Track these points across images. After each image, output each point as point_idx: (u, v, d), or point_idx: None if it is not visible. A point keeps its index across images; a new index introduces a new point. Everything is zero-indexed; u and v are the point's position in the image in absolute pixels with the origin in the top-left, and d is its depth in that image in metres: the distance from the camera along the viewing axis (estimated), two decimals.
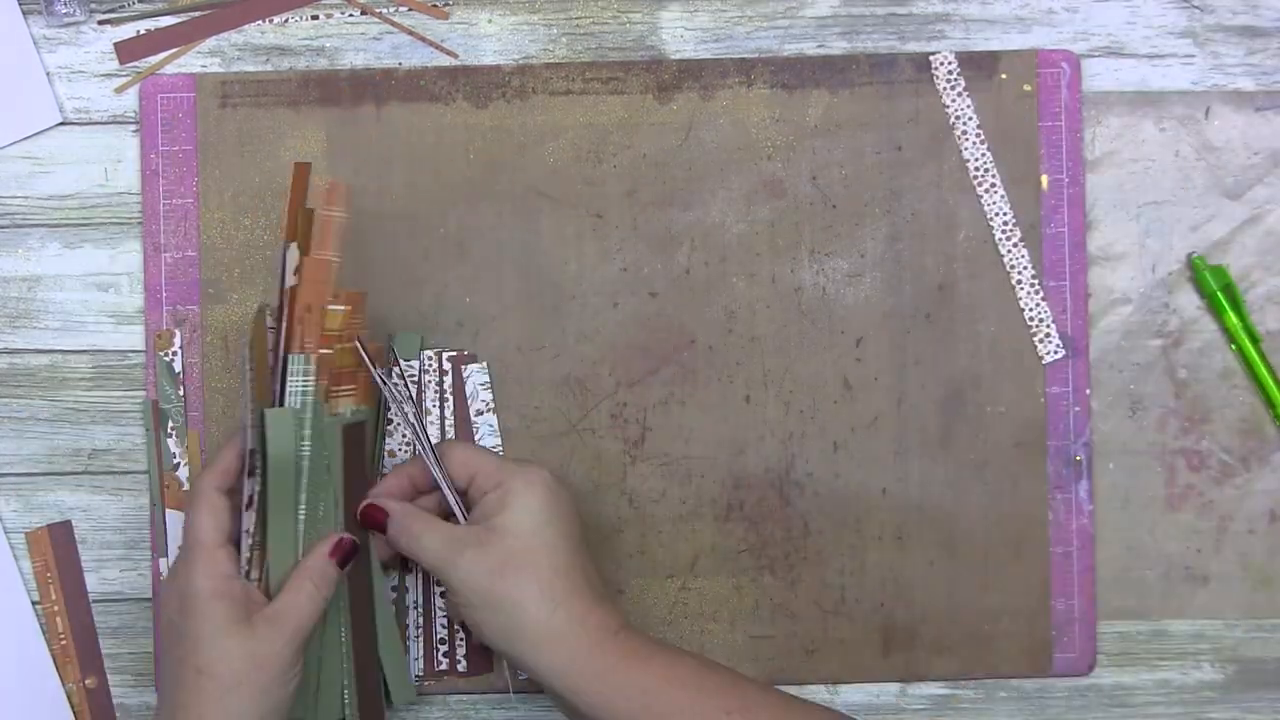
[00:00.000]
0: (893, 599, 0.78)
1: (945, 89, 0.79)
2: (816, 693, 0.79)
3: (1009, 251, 0.79)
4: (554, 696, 0.70)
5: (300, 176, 0.71)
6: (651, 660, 0.68)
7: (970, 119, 0.79)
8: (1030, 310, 0.78)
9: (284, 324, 0.70)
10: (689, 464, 0.78)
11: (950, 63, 0.79)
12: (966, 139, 0.79)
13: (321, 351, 0.70)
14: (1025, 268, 0.78)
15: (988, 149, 0.79)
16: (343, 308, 0.72)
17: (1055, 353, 0.78)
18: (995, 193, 0.79)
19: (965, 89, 0.79)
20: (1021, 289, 0.78)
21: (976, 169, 0.79)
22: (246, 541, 0.70)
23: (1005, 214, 0.79)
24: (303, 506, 0.71)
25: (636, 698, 0.67)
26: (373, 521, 0.72)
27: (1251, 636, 0.79)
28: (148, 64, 0.79)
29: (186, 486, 0.77)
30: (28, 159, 0.79)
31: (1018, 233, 0.79)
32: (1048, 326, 0.78)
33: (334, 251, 0.71)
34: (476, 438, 0.77)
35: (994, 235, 0.79)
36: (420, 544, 0.70)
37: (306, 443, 0.71)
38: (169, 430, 0.77)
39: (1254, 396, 0.79)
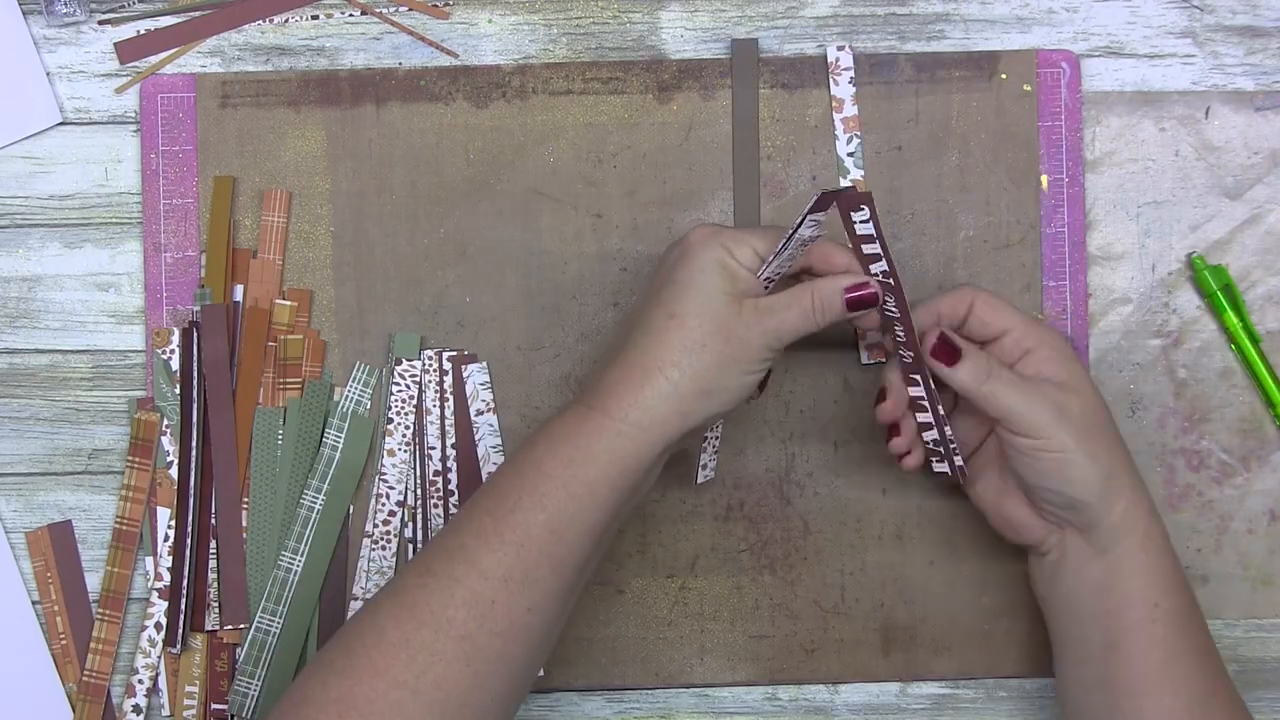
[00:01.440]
0: (893, 599, 0.78)
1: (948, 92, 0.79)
2: (816, 693, 0.79)
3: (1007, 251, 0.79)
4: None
5: (222, 192, 0.77)
6: (1176, 561, 0.71)
7: (983, 125, 0.79)
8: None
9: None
10: (689, 464, 0.78)
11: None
12: (967, 139, 0.79)
13: None
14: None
15: (988, 149, 0.79)
16: (290, 304, 0.77)
17: None
18: (995, 192, 0.79)
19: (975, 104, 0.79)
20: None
21: (976, 169, 0.79)
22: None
23: (1005, 214, 0.79)
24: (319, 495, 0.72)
25: (1161, 581, 0.69)
26: (943, 353, 0.69)
27: (1251, 636, 0.79)
28: (148, 64, 0.79)
29: (177, 486, 0.76)
30: (28, 159, 0.79)
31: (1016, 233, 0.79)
32: None
33: (278, 254, 0.78)
34: (477, 438, 0.77)
35: (995, 235, 0.79)
36: (997, 395, 0.68)
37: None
38: (164, 428, 0.77)
39: (1254, 396, 0.79)
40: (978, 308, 0.71)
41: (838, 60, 0.79)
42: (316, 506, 0.77)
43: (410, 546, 0.77)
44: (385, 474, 0.77)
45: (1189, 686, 0.68)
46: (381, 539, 0.77)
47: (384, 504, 0.77)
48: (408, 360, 0.78)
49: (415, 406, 0.78)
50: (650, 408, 0.65)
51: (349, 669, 0.62)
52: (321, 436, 0.77)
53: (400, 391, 0.77)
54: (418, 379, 0.78)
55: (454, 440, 0.78)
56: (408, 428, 0.77)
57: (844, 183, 0.79)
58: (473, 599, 0.63)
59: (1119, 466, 0.69)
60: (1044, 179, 0.79)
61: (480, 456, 0.78)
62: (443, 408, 0.78)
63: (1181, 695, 0.68)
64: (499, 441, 0.78)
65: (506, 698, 0.64)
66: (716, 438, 0.74)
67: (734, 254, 0.67)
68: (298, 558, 0.76)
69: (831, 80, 0.79)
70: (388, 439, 0.77)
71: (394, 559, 0.77)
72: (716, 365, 0.65)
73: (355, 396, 0.77)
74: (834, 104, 0.79)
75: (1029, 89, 0.79)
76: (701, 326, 0.65)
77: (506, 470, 0.66)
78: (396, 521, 0.77)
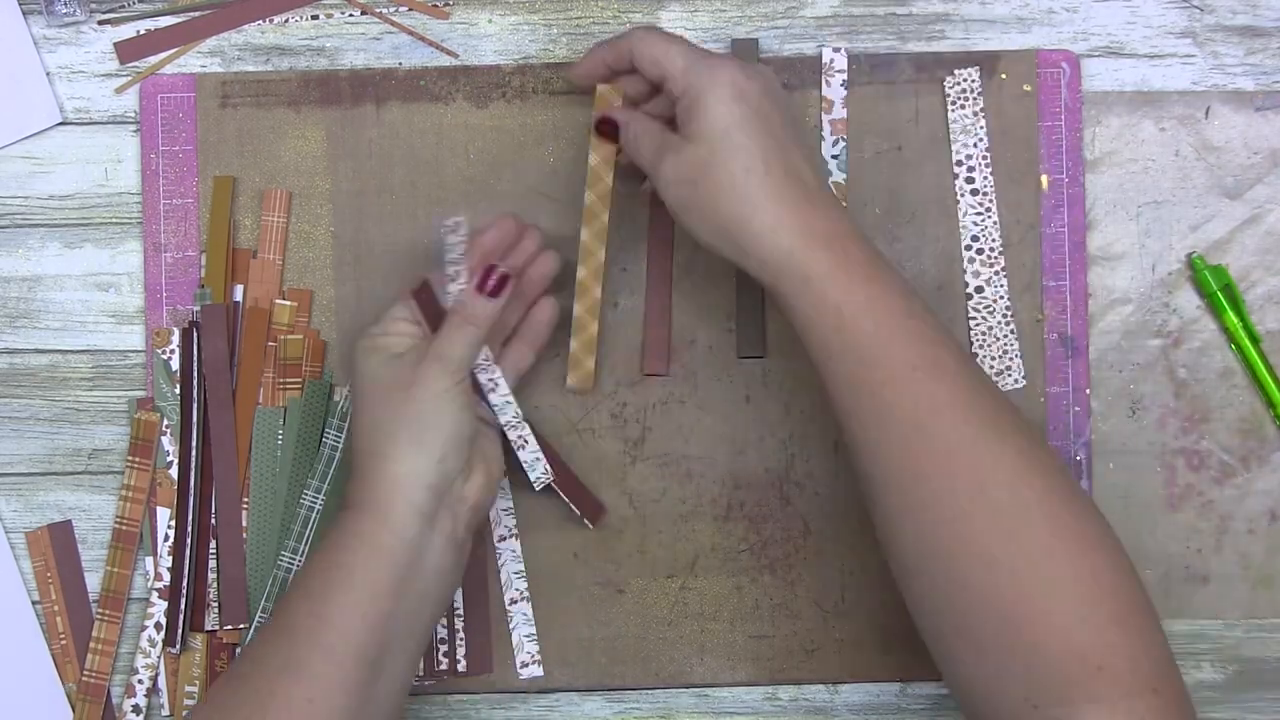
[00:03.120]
0: (893, 599, 0.78)
1: (955, 103, 0.79)
2: (816, 693, 0.79)
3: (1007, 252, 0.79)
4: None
5: (222, 192, 0.77)
6: (855, 284, 0.65)
7: (980, 126, 0.79)
8: (997, 342, 0.78)
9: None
10: (689, 464, 0.78)
11: (968, 79, 0.79)
12: (967, 139, 0.79)
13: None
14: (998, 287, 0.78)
15: (988, 149, 0.79)
16: (290, 304, 0.77)
17: (1015, 384, 0.78)
18: (995, 192, 0.79)
19: (977, 107, 0.79)
20: (995, 310, 0.78)
21: (976, 169, 0.79)
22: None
23: (1005, 214, 0.79)
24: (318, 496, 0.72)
25: (826, 317, 0.65)
26: (608, 133, 0.72)
27: (1251, 636, 0.79)
28: (148, 64, 0.79)
29: (177, 486, 0.76)
30: (28, 159, 0.79)
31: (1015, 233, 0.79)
32: (1011, 358, 0.78)
33: (278, 254, 0.78)
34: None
35: (995, 235, 0.79)
36: (639, 150, 0.70)
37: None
38: (164, 428, 0.77)
39: (1254, 396, 0.79)
40: (636, 55, 0.70)
41: (832, 61, 0.78)
42: (316, 506, 0.77)
43: None
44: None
45: (890, 416, 0.64)
46: None
47: None
48: None
49: None
50: (376, 486, 0.68)
51: None
52: (321, 436, 0.77)
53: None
54: None
55: None
56: None
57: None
58: (253, 693, 0.65)
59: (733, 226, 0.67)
60: (1044, 179, 0.79)
61: None
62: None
63: (885, 425, 0.65)
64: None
65: None
66: (522, 436, 0.74)
67: (376, 332, 0.72)
68: (297, 557, 0.76)
69: (824, 81, 0.79)
70: None
71: None
72: (408, 415, 0.69)
73: None
74: (824, 104, 0.79)
75: (1029, 89, 0.79)
76: (379, 399, 0.70)
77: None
78: None
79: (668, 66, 0.69)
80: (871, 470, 0.65)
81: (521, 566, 0.78)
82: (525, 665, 0.78)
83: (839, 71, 0.78)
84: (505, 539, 0.78)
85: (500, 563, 0.78)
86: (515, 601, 0.78)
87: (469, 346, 0.71)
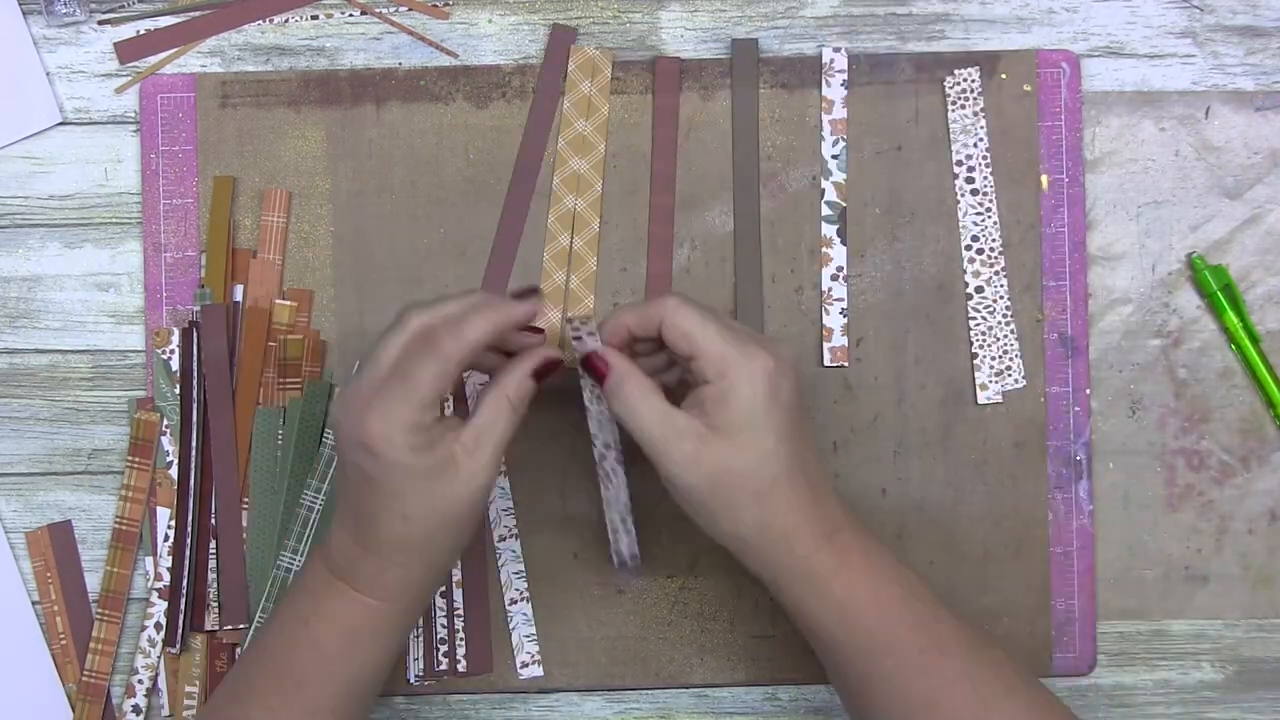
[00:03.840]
0: None
1: (954, 103, 0.79)
2: (816, 693, 0.79)
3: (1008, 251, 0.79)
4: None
5: (222, 192, 0.77)
6: (860, 574, 0.66)
7: (980, 126, 0.79)
8: (983, 345, 0.78)
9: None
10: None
11: (967, 79, 0.79)
12: (967, 138, 0.79)
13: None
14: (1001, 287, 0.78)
15: (988, 149, 0.79)
16: (290, 304, 0.77)
17: (1016, 384, 0.78)
18: (995, 192, 0.79)
19: (977, 107, 0.79)
20: (988, 317, 0.78)
21: (976, 169, 0.79)
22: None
23: (1005, 214, 0.79)
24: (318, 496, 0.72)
25: (834, 610, 0.66)
26: (593, 370, 0.68)
27: (1251, 636, 0.79)
28: (148, 64, 0.79)
29: (177, 486, 0.76)
30: (28, 159, 0.79)
31: (1016, 233, 0.79)
32: (1011, 358, 0.78)
33: (278, 254, 0.77)
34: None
35: (995, 235, 0.79)
36: (637, 416, 0.66)
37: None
38: (164, 428, 0.77)
39: (1254, 396, 0.79)
40: (665, 326, 0.67)
41: (832, 62, 0.78)
42: (316, 506, 0.76)
43: None
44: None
45: (905, 693, 0.66)
46: None
47: None
48: None
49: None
50: (391, 587, 0.67)
51: None
52: (321, 436, 0.77)
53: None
54: None
55: None
56: None
57: (825, 184, 0.78)
58: None
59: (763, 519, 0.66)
60: (1044, 179, 0.79)
61: None
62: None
63: (899, 702, 0.66)
64: None
65: None
66: (625, 519, 0.70)
67: (421, 424, 0.64)
68: (297, 558, 0.76)
69: (824, 81, 0.79)
70: None
71: None
72: (461, 527, 0.66)
73: None
74: (824, 104, 0.79)
75: (1029, 89, 0.79)
76: (435, 512, 0.65)
77: (282, 642, 0.68)
78: None
79: (703, 345, 0.65)
80: None
81: (521, 567, 0.78)
82: (525, 665, 0.78)
83: (839, 71, 0.78)
84: (505, 539, 0.78)
85: (500, 563, 0.78)
86: (515, 601, 0.78)
87: (515, 422, 0.67)
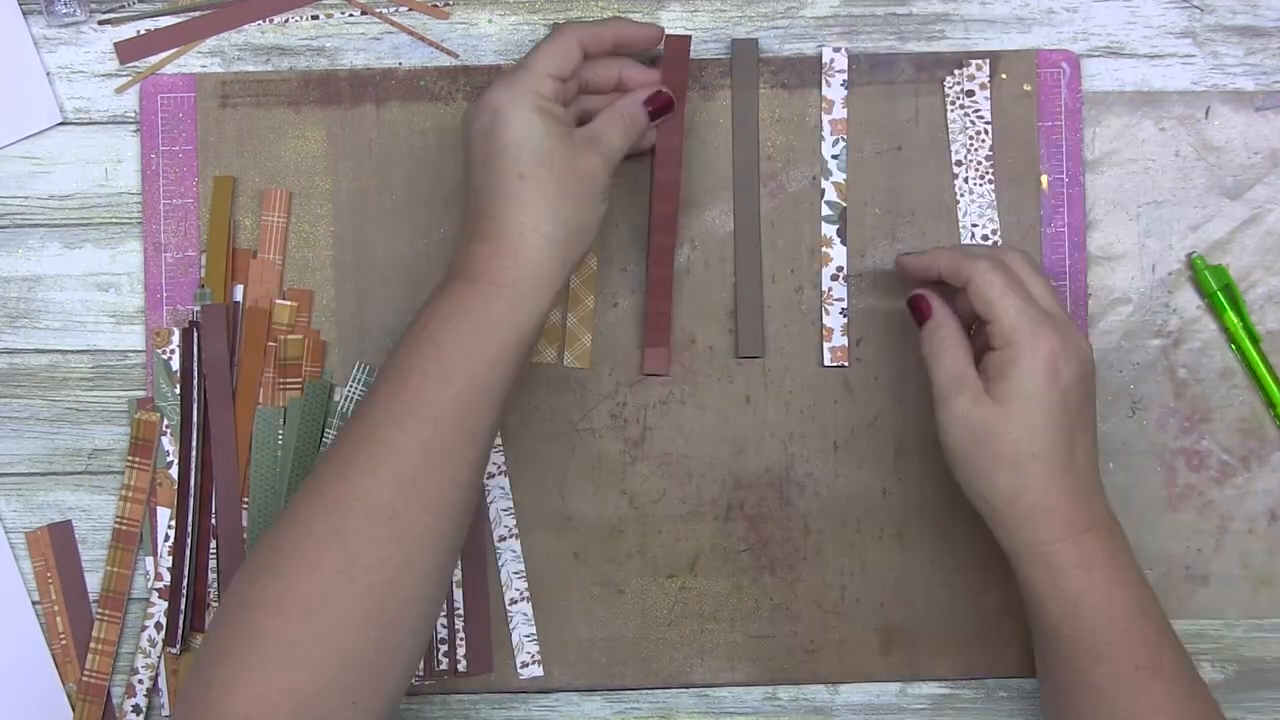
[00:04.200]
0: (893, 599, 0.78)
1: (953, 102, 0.79)
2: (816, 693, 0.79)
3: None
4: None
5: (222, 192, 0.77)
6: (1095, 580, 0.67)
7: (983, 124, 0.79)
8: None
9: None
10: (689, 464, 0.78)
11: (972, 79, 0.79)
12: (967, 138, 0.79)
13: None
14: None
15: (988, 149, 0.79)
16: (290, 304, 0.77)
17: None
18: (995, 192, 0.79)
19: (978, 106, 0.79)
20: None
21: (976, 168, 0.79)
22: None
23: (1006, 214, 0.79)
24: None
25: (1063, 603, 0.67)
26: (917, 313, 0.72)
27: (1251, 636, 0.79)
28: (148, 64, 0.79)
29: (177, 486, 0.76)
30: (28, 159, 0.79)
31: (1017, 233, 0.79)
32: None
33: (278, 254, 0.77)
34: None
35: (995, 235, 0.79)
36: (937, 364, 0.69)
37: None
38: (164, 428, 0.77)
39: (1254, 396, 0.79)
40: (971, 287, 0.69)
41: (832, 61, 0.78)
42: None
43: None
44: None
45: (1107, 707, 0.67)
46: None
47: None
48: None
49: None
50: (535, 266, 0.66)
51: (282, 569, 0.62)
52: (321, 437, 0.77)
53: None
54: None
55: None
56: None
57: (825, 185, 0.78)
58: (396, 480, 0.63)
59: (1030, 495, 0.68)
60: (1044, 179, 0.79)
61: None
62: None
63: (1099, 713, 0.68)
64: (498, 442, 0.78)
65: (438, 570, 0.65)
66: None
67: (542, 94, 0.68)
68: None
69: (824, 81, 0.79)
70: None
71: None
72: (577, 206, 0.67)
73: (354, 397, 0.77)
74: (824, 104, 0.79)
75: (1029, 89, 0.79)
76: (553, 176, 0.67)
77: (405, 351, 0.66)
78: None
79: (998, 315, 0.68)
80: None
81: (521, 566, 0.78)
82: (525, 665, 0.78)
83: (839, 71, 0.78)
84: (505, 539, 0.78)
85: (500, 563, 0.78)
86: (515, 601, 0.78)
87: (625, 149, 0.71)
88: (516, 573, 0.78)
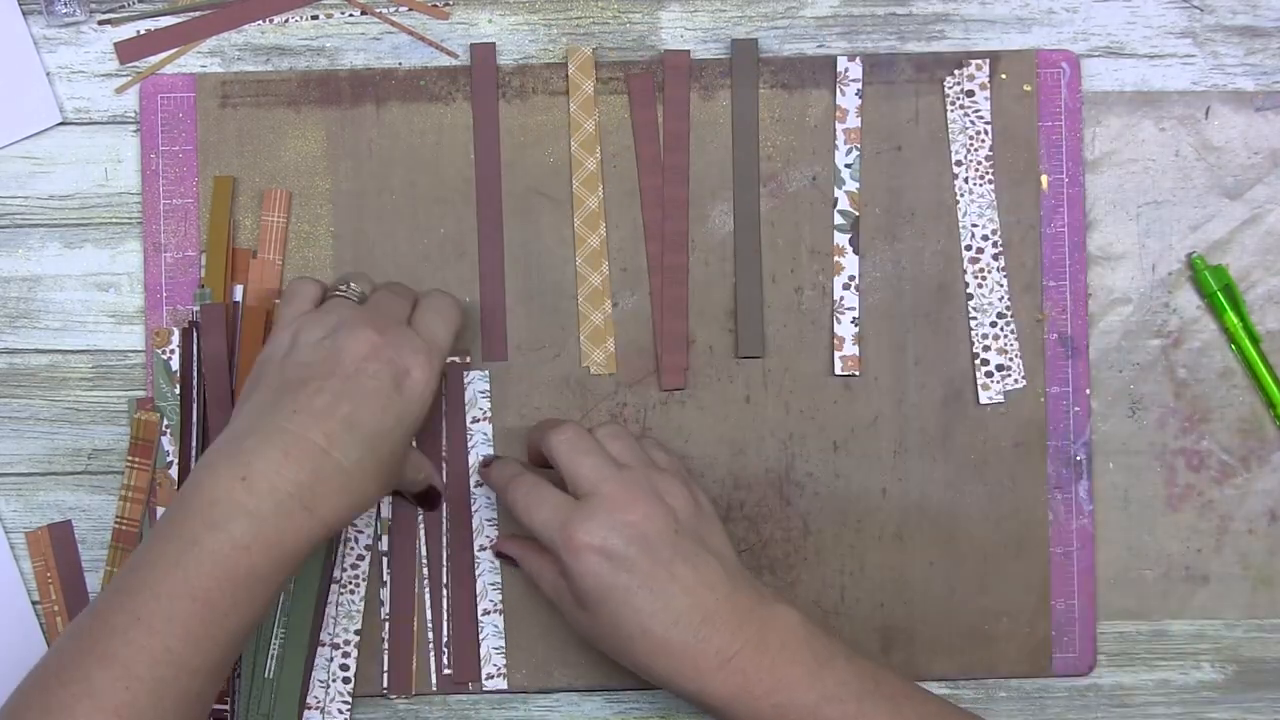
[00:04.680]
0: (893, 599, 0.78)
1: (954, 102, 0.79)
2: None
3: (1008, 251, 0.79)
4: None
5: (222, 192, 0.77)
6: (756, 699, 0.66)
7: (983, 124, 0.79)
8: (983, 343, 0.78)
9: None
10: (689, 464, 0.78)
11: (972, 79, 0.79)
12: (967, 138, 0.79)
13: None
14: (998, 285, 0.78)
15: (988, 149, 0.79)
16: None
17: (1016, 384, 0.78)
18: (995, 192, 0.79)
19: (978, 106, 0.79)
20: (984, 318, 0.78)
21: (976, 168, 0.79)
22: None
23: (1006, 214, 0.79)
24: None
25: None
26: (508, 561, 0.76)
27: (1251, 636, 0.79)
28: (148, 64, 0.79)
29: (177, 485, 0.76)
30: (28, 159, 0.79)
31: (1016, 233, 0.79)
32: (1011, 358, 0.78)
33: (278, 254, 0.77)
34: (470, 444, 0.77)
35: (995, 235, 0.79)
36: (540, 583, 0.72)
37: None
38: (164, 428, 0.77)
39: (1254, 396, 0.79)
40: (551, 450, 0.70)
41: (846, 71, 0.78)
42: None
43: (381, 589, 0.77)
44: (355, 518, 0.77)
45: None
46: (350, 583, 0.77)
47: (352, 548, 0.77)
48: None
49: None
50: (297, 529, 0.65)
51: None
52: None
53: None
54: None
55: (446, 452, 0.78)
56: None
57: (837, 194, 0.78)
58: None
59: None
60: (1044, 179, 0.79)
61: (470, 465, 0.77)
62: (442, 422, 0.78)
63: None
64: (491, 451, 0.78)
65: None
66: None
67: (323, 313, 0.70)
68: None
69: (838, 89, 0.79)
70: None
71: (361, 603, 0.77)
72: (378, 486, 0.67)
73: None
74: (838, 113, 0.79)
75: (1029, 89, 0.79)
76: (368, 404, 0.67)
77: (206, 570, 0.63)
78: (365, 565, 0.77)
79: (534, 518, 0.68)
80: None
81: (499, 578, 0.77)
82: (491, 677, 0.77)
83: (854, 80, 0.78)
84: (485, 549, 0.77)
85: (478, 571, 0.77)
86: (488, 613, 0.77)
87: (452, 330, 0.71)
88: (492, 584, 0.77)
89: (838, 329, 0.78)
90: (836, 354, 0.78)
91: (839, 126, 0.79)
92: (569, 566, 0.67)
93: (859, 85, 0.78)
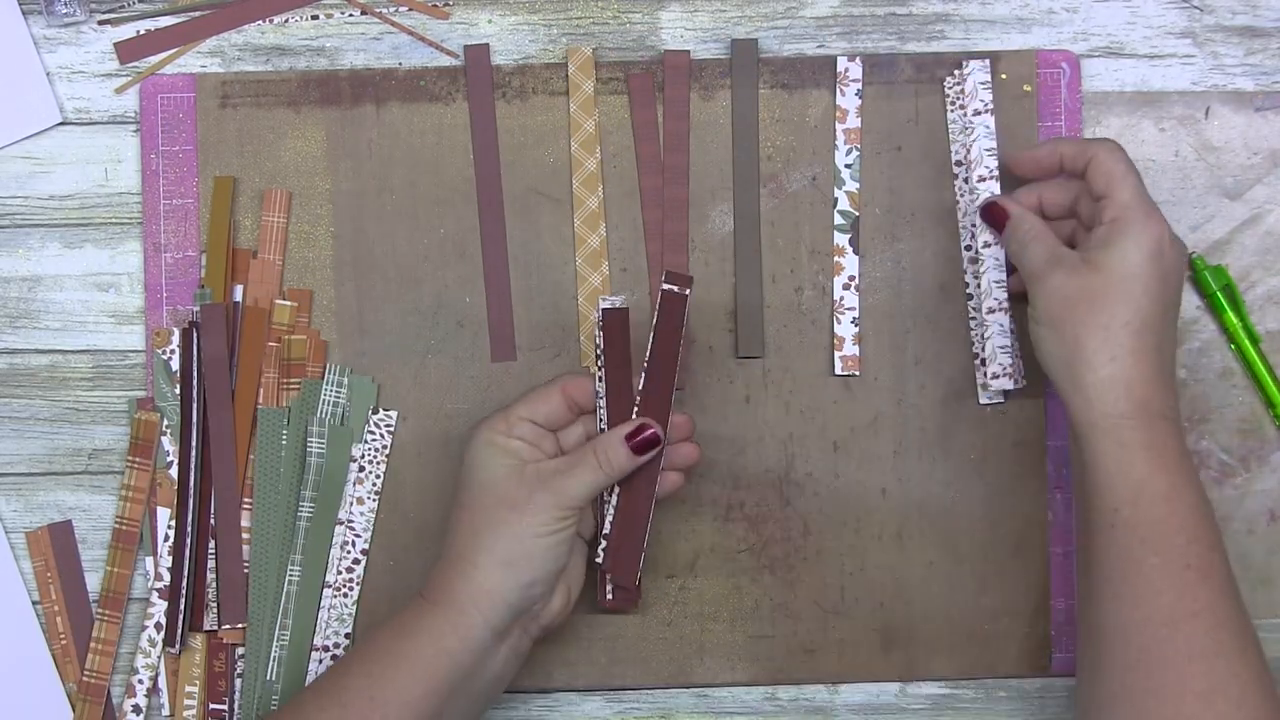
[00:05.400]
0: (893, 599, 0.78)
1: (955, 102, 0.79)
2: (816, 692, 0.79)
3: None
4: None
5: (222, 192, 0.77)
6: (1163, 467, 0.67)
7: (984, 126, 0.79)
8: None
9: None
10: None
11: (973, 78, 0.79)
12: (967, 139, 0.79)
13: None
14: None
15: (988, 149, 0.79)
16: (290, 304, 0.77)
17: (1016, 384, 0.77)
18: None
19: (978, 106, 0.79)
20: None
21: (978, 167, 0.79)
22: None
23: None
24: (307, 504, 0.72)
25: (1126, 487, 0.67)
26: (993, 218, 0.74)
27: None
28: (148, 64, 0.79)
29: (177, 486, 0.76)
30: (28, 159, 0.79)
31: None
32: (1011, 358, 0.78)
33: (278, 254, 0.77)
34: (970, 139, 0.77)
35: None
36: (1026, 251, 0.71)
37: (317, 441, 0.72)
38: (164, 428, 0.77)
39: (1254, 396, 0.79)
40: (1095, 163, 0.71)
41: (847, 71, 0.78)
42: (310, 517, 0.76)
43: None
44: (353, 522, 0.77)
45: (1152, 603, 0.66)
46: (344, 587, 0.77)
47: (349, 551, 0.77)
48: (384, 410, 0.77)
49: (388, 456, 0.77)
50: (457, 590, 0.69)
51: None
52: (306, 439, 0.77)
53: (374, 440, 0.77)
54: (392, 428, 0.77)
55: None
56: (378, 477, 0.77)
57: (837, 194, 0.78)
58: None
59: (1114, 350, 0.68)
60: None
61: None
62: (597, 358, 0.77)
63: (1141, 607, 0.66)
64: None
65: None
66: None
67: (501, 430, 0.71)
68: (296, 568, 0.76)
69: (838, 89, 0.79)
70: (357, 487, 0.77)
71: (354, 607, 0.77)
72: (508, 536, 0.69)
73: (333, 398, 0.77)
74: (838, 113, 0.79)
75: (1029, 89, 0.79)
76: (485, 507, 0.70)
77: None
78: (360, 570, 0.77)
79: (1118, 190, 0.70)
80: (1105, 644, 0.68)
81: None
82: None
83: (854, 80, 0.78)
84: None
85: None
86: None
87: (592, 490, 0.70)
88: None
89: (838, 329, 0.78)
90: (836, 354, 0.78)
91: (839, 127, 0.79)
92: (1126, 229, 0.69)
93: (859, 85, 0.78)
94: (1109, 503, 0.68)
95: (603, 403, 0.72)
